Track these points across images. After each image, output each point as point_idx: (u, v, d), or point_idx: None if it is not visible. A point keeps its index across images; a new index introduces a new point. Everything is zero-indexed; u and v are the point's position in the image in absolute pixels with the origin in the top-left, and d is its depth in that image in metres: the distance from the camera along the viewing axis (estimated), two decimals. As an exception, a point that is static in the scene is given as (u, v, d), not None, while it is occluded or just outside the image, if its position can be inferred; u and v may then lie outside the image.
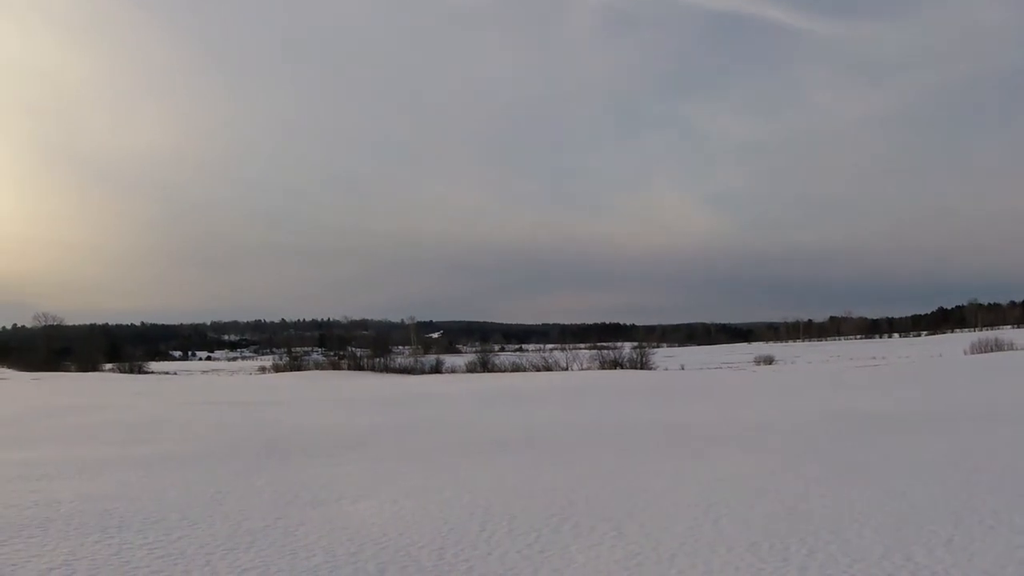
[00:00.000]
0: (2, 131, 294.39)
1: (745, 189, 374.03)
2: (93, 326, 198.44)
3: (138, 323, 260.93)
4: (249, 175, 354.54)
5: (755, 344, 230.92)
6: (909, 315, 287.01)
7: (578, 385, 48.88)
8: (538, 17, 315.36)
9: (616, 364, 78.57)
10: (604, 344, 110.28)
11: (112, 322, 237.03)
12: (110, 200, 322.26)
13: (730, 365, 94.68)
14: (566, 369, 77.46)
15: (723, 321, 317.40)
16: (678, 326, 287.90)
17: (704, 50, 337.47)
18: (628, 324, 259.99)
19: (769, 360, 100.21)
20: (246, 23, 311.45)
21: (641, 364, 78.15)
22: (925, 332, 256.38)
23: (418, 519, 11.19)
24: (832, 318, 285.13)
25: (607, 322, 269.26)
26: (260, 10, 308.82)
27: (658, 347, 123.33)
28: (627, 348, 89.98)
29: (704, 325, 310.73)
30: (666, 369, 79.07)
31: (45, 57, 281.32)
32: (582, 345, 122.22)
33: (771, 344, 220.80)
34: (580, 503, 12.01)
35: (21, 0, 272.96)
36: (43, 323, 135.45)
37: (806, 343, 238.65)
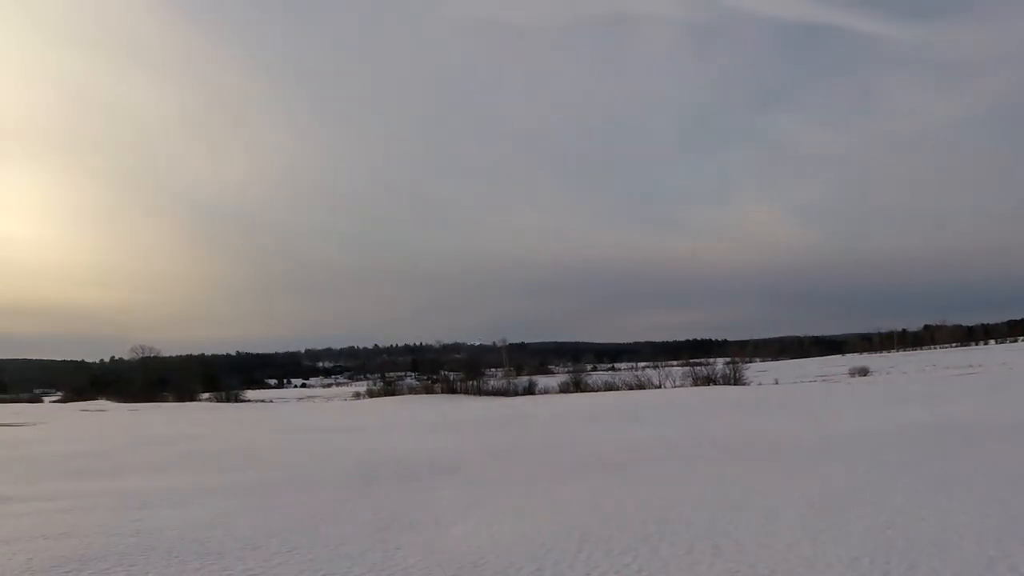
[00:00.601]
0: (97, 167, 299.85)
1: (829, 198, 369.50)
2: (189, 356, 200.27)
3: (233, 352, 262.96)
4: (339, 202, 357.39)
5: (849, 356, 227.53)
6: (1005, 320, 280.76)
7: (671, 402, 48.58)
8: (615, 35, 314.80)
9: (709, 380, 78.00)
10: (696, 360, 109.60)
11: (208, 352, 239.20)
12: (204, 231, 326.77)
13: (824, 378, 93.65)
14: (659, 387, 77.07)
15: (815, 333, 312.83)
16: (769, 340, 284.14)
17: (781, 61, 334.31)
18: (719, 340, 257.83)
19: (864, 371, 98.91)
20: (330, 52, 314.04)
21: (734, 379, 77.49)
22: (1022, 338, 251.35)
23: (515, 541, 11.22)
24: (926, 326, 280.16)
25: (698, 338, 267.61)
26: (344, 38, 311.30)
27: (751, 362, 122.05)
28: (720, 364, 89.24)
29: (796, 338, 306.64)
30: (760, 384, 78.37)
31: (134, 93, 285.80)
32: (674, 362, 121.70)
33: (865, 355, 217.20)
34: (676, 522, 11.96)
35: (110, 38, 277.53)
36: (140, 355, 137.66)
37: (901, 353, 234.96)
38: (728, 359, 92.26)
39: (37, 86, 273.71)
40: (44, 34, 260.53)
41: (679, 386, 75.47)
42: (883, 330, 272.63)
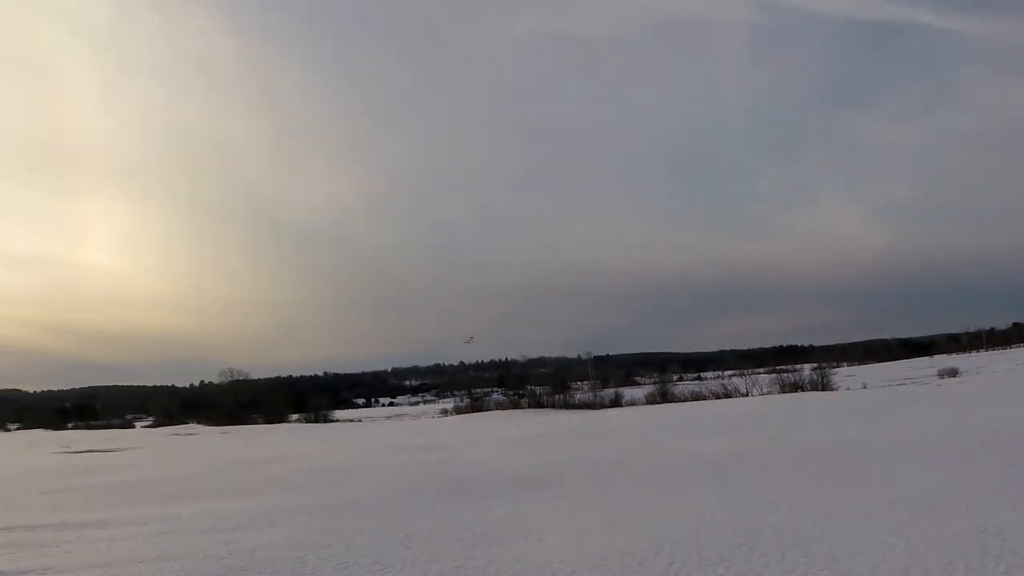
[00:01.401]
0: (182, 194, 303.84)
1: (911, 198, 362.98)
2: (278, 378, 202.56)
3: (321, 373, 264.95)
4: (421, 220, 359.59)
5: (937, 357, 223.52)
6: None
7: (759, 411, 48.16)
8: (687, 42, 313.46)
9: (796, 387, 77.03)
10: (783, 367, 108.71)
11: (295, 374, 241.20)
12: (289, 254, 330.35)
13: (913, 380, 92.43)
14: (746, 395, 76.37)
15: (902, 335, 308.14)
16: (856, 344, 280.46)
17: (856, 60, 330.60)
18: (805, 345, 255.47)
19: (953, 372, 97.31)
20: (406, 73, 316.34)
21: (822, 385, 76.53)
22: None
23: (606, 554, 11.22)
24: (1016, 324, 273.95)
25: (784, 345, 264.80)
26: (419, 58, 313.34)
27: (838, 367, 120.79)
28: (806, 370, 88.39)
29: (883, 341, 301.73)
30: (848, 389, 77.47)
31: (216, 121, 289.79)
32: (760, 369, 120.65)
33: (954, 356, 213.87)
34: (767, 530, 11.89)
35: (191, 68, 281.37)
36: (229, 378, 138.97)
37: (991, 352, 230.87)
38: (815, 365, 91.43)
39: (123, 118, 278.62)
40: (126, 66, 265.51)
41: (766, 393, 74.63)
42: (970, 329, 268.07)
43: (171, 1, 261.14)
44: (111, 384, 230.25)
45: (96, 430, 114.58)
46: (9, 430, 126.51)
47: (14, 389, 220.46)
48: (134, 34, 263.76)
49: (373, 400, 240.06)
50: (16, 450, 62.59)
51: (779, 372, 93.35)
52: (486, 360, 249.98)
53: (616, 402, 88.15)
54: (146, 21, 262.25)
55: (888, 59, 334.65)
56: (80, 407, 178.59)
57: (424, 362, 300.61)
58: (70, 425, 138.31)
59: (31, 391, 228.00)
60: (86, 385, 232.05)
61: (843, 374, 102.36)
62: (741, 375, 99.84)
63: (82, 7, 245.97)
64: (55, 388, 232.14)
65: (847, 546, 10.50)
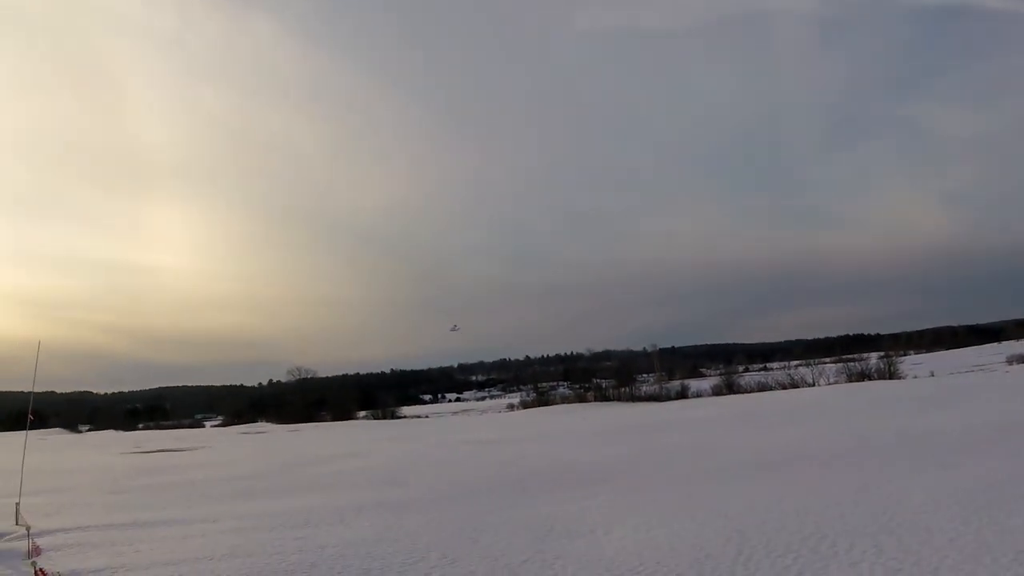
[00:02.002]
0: (254, 199, 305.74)
1: (977, 183, 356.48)
2: (345, 376, 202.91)
3: (387, 370, 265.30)
4: (486, 219, 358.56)
5: (1005, 343, 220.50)
6: None
7: (825, 400, 47.79)
8: (749, 34, 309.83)
9: (863, 376, 76.15)
10: (849, 356, 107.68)
11: (362, 371, 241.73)
12: (357, 255, 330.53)
13: (981, 367, 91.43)
14: (812, 385, 75.75)
15: (969, 322, 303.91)
16: (923, 331, 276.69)
17: (918, 47, 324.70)
18: (872, 334, 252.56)
19: (1022, 359, 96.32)
20: (471, 75, 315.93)
21: (889, 374, 75.73)
22: None
23: (673, 546, 11.22)
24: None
25: (850, 334, 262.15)
26: (482, 60, 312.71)
27: (905, 355, 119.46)
28: (873, 359, 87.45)
29: (950, 328, 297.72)
30: (915, 377, 76.65)
31: (288, 128, 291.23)
32: (827, 359, 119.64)
33: (1022, 341, 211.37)
34: (835, 521, 11.84)
35: (262, 76, 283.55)
36: (297, 377, 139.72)
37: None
38: (881, 353, 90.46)
39: (192, 124, 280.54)
40: (192, 74, 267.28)
41: (833, 383, 74.06)
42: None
43: (233, 8, 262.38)
44: (180, 385, 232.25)
45: (166, 430, 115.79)
46: (80, 431, 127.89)
47: (85, 391, 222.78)
48: (199, 42, 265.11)
49: (440, 396, 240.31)
50: (87, 451, 63.34)
51: (846, 361, 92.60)
52: (552, 355, 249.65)
53: (682, 394, 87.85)
54: (210, 29, 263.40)
55: (952, 45, 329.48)
56: (150, 408, 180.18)
57: (490, 357, 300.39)
58: (140, 426, 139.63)
59: (102, 393, 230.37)
60: (156, 386, 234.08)
61: (910, 362, 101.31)
62: (807, 365, 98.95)
63: (147, 18, 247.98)
64: (125, 390, 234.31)
65: (915, 535, 10.45)
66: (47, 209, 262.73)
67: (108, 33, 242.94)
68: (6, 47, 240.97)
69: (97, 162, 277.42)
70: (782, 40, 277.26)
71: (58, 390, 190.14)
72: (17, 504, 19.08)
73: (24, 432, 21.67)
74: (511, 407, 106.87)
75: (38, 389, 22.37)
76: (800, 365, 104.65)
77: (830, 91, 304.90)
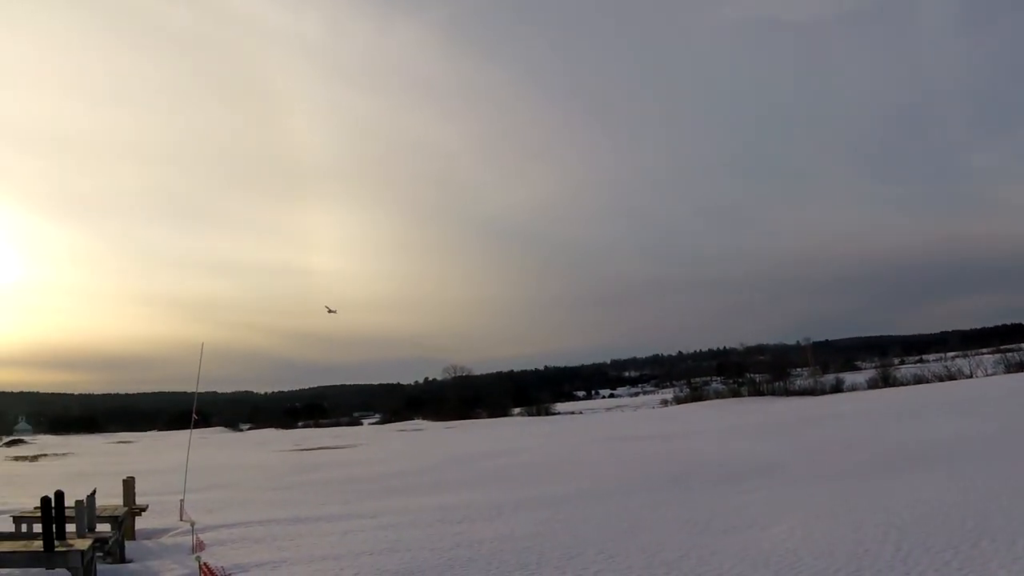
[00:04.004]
0: (402, 198, 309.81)
1: None
2: (499, 373, 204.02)
3: (541, 367, 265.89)
4: (633, 214, 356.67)
5: None
6: None
7: (984, 393, 46.57)
8: (893, 20, 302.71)
9: (1023, 366, 74.41)
10: (1008, 347, 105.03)
11: (516, 369, 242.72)
12: (505, 253, 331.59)
13: None
14: (970, 376, 73.99)
15: None
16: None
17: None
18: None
19: None
20: (612, 69, 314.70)
21: (1051, 363, 73.58)
22: None
23: (831, 542, 11.18)
24: None
25: (1008, 323, 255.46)
26: (623, 54, 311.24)
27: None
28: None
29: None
30: (1081, 365, 74.50)
31: (433, 130, 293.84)
32: (984, 350, 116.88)
33: None
34: (997, 516, 11.66)
35: (407, 79, 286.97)
36: (453, 374, 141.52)
37: None
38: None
39: (343, 128, 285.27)
40: (341, 78, 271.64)
41: (991, 374, 72.16)
42: None
43: (378, 15, 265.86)
44: (337, 383, 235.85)
45: (325, 428, 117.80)
46: (241, 430, 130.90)
47: (246, 391, 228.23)
48: (346, 48, 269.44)
49: (593, 392, 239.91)
50: (248, 449, 64.87)
51: (1004, 352, 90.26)
52: (704, 350, 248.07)
53: (837, 388, 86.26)
54: (356, 35, 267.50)
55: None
56: (309, 406, 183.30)
57: (642, 353, 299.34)
58: (300, 424, 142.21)
59: (262, 393, 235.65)
60: (314, 385, 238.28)
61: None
62: (964, 356, 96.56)
63: (295, 26, 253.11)
64: (285, 389, 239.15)
65: (1082, 531, 10.23)
66: (204, 214, 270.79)
67: (258, 42, 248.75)
68: (159, 59, 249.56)
69: (251, 167, 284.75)
70: (927, 25, 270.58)
71: (220, 390, 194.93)
72: (182, 501, 19.72)
73: (188, 431, 22.35)
74: (664, 403, 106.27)
75: (201, 389, 23.08)
76: (957, 356, 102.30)
77: (978, 74, 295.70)
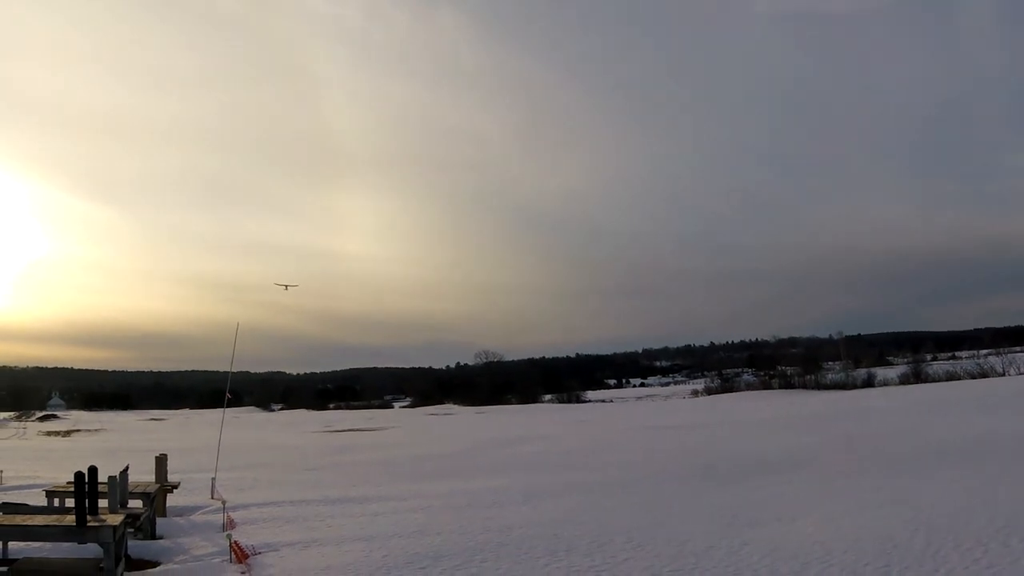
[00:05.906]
0: (439, 184, 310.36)
1: None
2: (531, 360, 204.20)
3: (573, 355, 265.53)
4: (669, 204, 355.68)
5: None
6: None
7: (1016, 391, 46.41)
8: (932, 13, 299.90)
9: (1055, 366, 73.83)
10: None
11: (548, 355, 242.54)
12: (541, 241, 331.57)
13: None
14: (1003, 374, 73.58)
15: None
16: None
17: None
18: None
19: None
20: (650, 60, 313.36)
21: (1086, 364, 73.04)
22: None
23: (860, 536, 11.20)
24: None
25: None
26: (662, 45, 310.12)
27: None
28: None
29: None
30: (1113, 366, 73.98)
31: (472, 117, 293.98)
32: (1018, 348, 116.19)
33: None
34: (1027, 514, 11.65)
35: (446, 66, 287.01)
36: (485, 360, 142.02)
37: None
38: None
39: (379, 114, 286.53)
40: (380, 65, 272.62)
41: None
42: None
43: (417, 2, 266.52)
44: (369, 366, 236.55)
45: (356, 410, 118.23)
46: (273, 410, 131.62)
47: (278, 372, 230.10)
48: (385, 35, 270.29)
49: (624, 381, 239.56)
50: (279, 429, 65.29)
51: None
52: (736, 341, 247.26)
53: (868, 382, 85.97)
54: (396, 22, 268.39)
55: None
56: (341, 388, 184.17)
57: (675, 343, 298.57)
58: (331, 405, 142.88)
59: (294, 373, 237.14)
60: (347, 368, 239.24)
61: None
62: (997, 354, 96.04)
63: (335, 13, 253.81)
64: (317, 371, 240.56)
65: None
66: (241, 197, 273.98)
67: (299, 29, 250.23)
68: (200, 44, 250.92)
69: (289, 152, 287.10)
70: (967, 19, 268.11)
71: (252, 370, 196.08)
72: (213, 479, 19.95)
73: (218, 410, 22.60)
74: (695, 393, 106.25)
75: (234, 369, 23.35)
76: (989, 354, 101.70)
77: (1019, 69, 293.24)
